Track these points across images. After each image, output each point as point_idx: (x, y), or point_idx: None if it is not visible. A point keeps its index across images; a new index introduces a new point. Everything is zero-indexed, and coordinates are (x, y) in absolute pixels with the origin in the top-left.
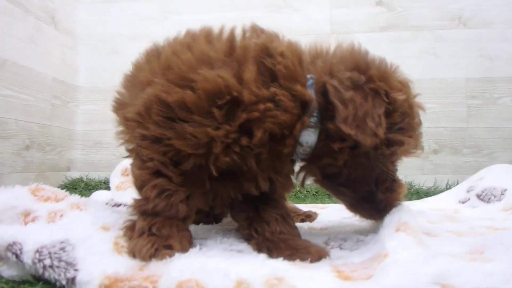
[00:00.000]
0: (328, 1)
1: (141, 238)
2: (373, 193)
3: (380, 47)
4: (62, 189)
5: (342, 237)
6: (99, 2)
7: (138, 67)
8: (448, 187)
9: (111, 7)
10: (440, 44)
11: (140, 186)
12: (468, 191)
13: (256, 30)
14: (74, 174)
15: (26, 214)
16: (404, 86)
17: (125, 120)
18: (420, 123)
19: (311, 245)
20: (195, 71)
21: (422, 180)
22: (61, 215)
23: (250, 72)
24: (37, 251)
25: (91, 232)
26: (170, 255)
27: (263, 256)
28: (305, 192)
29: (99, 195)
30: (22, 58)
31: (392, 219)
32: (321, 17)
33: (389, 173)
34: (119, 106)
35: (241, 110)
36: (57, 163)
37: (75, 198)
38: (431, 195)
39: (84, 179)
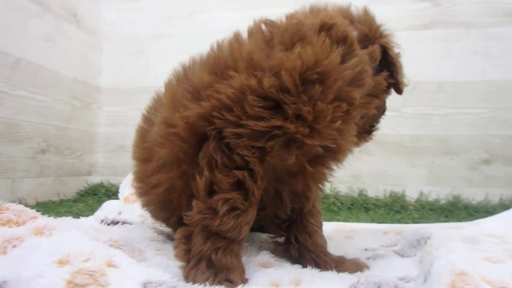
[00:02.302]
0: None
1: (199, 268)
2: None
3: (424, 46)
4: (82, 195)
5: (375, 280)
6: (124, 1)
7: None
8: (502, 203)
9: (136, 5)
10: (491, 43)
11: (210, 191)
12: None
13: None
14: (95, 179)
15: None
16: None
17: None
18: None
19: (347, 259)
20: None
21: (471, 194)
22: (14, 245)
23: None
24: None
25: (42, 268)
26: None
27: None
28: (339, 204)
29: (109, 205)
30: (39, 58)
31: (443, 266)
32: None
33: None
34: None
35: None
36: (77, 167)
37: (43, 220)
38: (481, 211)
39: (105, 184)
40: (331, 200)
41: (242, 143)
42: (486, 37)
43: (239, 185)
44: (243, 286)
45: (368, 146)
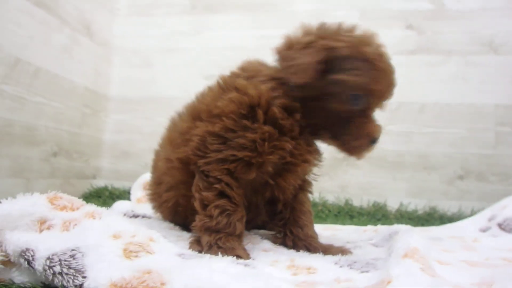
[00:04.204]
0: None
1: (212, 250)
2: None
3: (409, 71)
4: (86, 196)
5: (352, 259)
6: (135, 16)
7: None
8: (473, 214)
9: (146, 20)
10: (470, 69)
11: (204, 206)
12: (490, 220)
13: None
14: (100, 182)
15: (42, 222)
16: (346, 33)
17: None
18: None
19: (335, 246)
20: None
21: (447, 206)
22: (75, 224)
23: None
24: (48, 258)
25: (102, 240)
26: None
27: (267, 275)
28: (327, 211)
29: (120, 205)
30: (56, 67)
31: (401, 245)
32: None
33: (348, 111)
34: None
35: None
36: (84, 170)
37: (91, 207)
38: (455, 222)
39: (109, 188)
40: (320, 208)
41: (212, 168)
42: (466, 63)
43: (222, 195)
44: (252, 260)
45: (355, 160)
